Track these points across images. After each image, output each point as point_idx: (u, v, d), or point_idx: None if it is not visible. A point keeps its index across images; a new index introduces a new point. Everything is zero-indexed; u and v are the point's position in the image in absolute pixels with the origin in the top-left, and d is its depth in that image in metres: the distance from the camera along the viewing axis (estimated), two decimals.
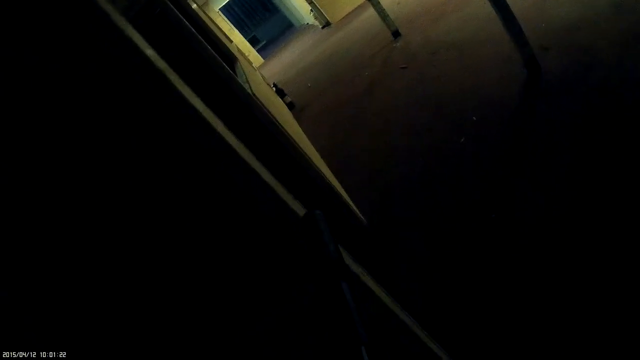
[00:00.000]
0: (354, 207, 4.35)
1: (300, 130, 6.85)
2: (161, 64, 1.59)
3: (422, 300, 3.18)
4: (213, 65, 4.50)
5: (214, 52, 4.48)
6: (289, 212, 1.70)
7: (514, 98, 4.60)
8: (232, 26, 19.82)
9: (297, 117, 8.46)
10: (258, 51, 20.62)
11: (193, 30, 4.50)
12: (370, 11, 12.04)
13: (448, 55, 6.62)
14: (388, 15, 9.09)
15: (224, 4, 20.73)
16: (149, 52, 1.53)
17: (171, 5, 4.60)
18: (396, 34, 9.16)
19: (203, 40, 4.50)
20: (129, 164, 1.55)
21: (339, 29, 14.07)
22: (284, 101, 9.21)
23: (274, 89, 9.57)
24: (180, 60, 4.98)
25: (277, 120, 4.28)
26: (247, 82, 4.99)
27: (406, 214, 4.14)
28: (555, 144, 3.66)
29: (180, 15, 4.55)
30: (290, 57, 15.74)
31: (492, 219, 3.37)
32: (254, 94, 4.37)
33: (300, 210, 1.73)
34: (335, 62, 10.72)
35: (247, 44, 19.74)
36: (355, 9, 15.25)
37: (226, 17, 20.85)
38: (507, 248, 3.08)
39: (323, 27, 16.29)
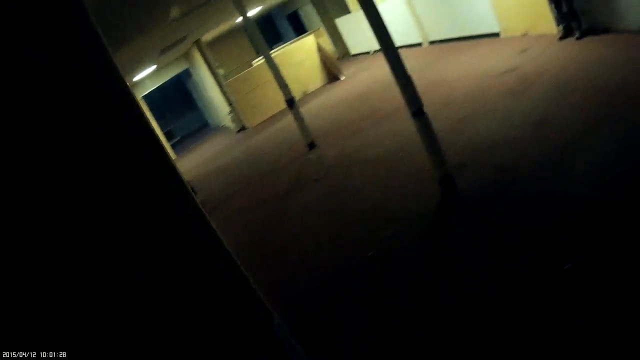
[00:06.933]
0: (268, 306, 4.13)
1: None
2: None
3: None
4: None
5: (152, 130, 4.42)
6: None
7: (426, 215, 4.62)
8: (152, 117, 19.62)
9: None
10: (172, 146, 20.40)
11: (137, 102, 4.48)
12: (287, 120, 12.20)
13: (363, 169, 6.70)
14: (306, 125, 9.19)
15: (147, 92, 20.58)
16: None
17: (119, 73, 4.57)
18: (312, 145, 9.23)
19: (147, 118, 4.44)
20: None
21: (255, 134, 14.15)
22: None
23: None
24: None
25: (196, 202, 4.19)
26: None
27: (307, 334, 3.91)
28: (465, 264, 3.63)
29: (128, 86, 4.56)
30: (204, 156, 15.60)
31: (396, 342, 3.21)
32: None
33: None
34: (250, 167, 10.70)
35: (163, 137, 19.53)
36: (273, 115, 15.46)
37: (148, 106, 20.65)
38: None
39: (238, 131, 16.29)
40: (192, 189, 8.54)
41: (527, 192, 4.09)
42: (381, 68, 4.88)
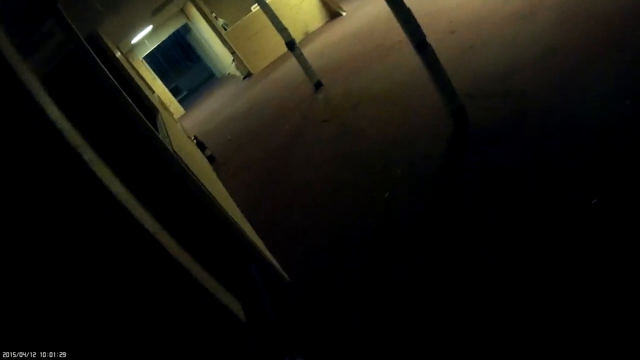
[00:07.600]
0: (276, 264, 4.13)
1: (220, 186, 6.59)
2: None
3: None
4: (134, 120, 4.34)
5: (135, 106, 4.33)
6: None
7: (439, 151, 4.49)
8: (155, 76, 19.47)
9: (217, 171, 8.18)
10: (179, 101, 20.26)
11: (115, 82, 4.36)
12: (292, 62, 12.00)
13: (371, 107, 6.57)
14: (310, 66, 9.02)
15: (148, 52, 20.38)
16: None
17: (94, 56, 4.40)
18: (318, 85, 9.09)
19: (125, 94, 4.35)
20: None
21: (261, 80, 13.98)
22: (204, 154, 8.92)
23: (194, 141, 9.28)
24: (99, 111, 4.73)
25: (196, 176, 4.10)
26: (168, 136, 4.78)
27: (328, 276, 3.89)
28: (483, 200, 3.53)
29: (103, 67, 4.42)
30: (211, 108, 15.50)
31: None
32: (174, 150, 4.14)
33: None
34: (257, 114, 10.58)
35: (169, 94, 19.39)
36: (278, 58, 15.25)
37: (150, 66, 20.46)
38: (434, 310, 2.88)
39: (244, 78, 16.14)
40: (200, 144, 8.50)
41: (539, 125, 3.89)
42: (382, 1, 4.66)
